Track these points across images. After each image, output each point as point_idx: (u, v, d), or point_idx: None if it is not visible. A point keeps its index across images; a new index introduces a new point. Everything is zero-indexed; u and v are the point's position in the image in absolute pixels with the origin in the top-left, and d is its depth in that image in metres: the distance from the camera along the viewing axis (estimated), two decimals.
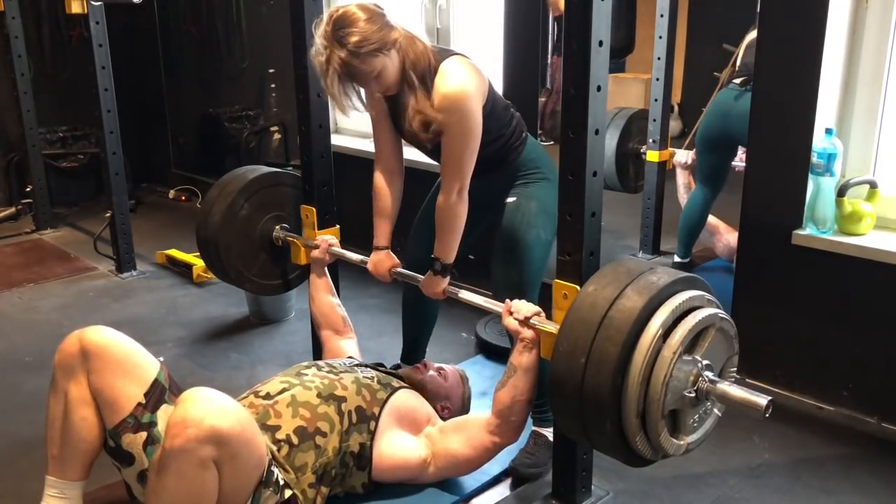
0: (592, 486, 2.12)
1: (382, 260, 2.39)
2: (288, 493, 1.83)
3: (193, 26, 5.13)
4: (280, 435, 1.87)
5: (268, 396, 1.96)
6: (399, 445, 2.04)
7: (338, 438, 1.94)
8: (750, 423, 2.51)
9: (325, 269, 2.56)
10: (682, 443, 1.66)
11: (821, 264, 2.52)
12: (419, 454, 2.05)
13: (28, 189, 4.63)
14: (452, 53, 2.13)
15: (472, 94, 2.05)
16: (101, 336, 1.86)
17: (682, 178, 3.68)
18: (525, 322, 1.92)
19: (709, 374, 1.62)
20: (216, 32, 5.00)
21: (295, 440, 1.88)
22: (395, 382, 2.17)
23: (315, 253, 2.55)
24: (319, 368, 2.11)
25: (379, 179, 2.38)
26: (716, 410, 1.71)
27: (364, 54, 1.99)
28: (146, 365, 1.88)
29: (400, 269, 2.38)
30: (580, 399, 1.60)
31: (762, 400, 1.54)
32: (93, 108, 3.78)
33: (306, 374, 2.06)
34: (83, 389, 1.83)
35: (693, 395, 1.60)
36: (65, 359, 1.85)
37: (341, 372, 2.10)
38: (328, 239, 2.55)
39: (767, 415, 1.54)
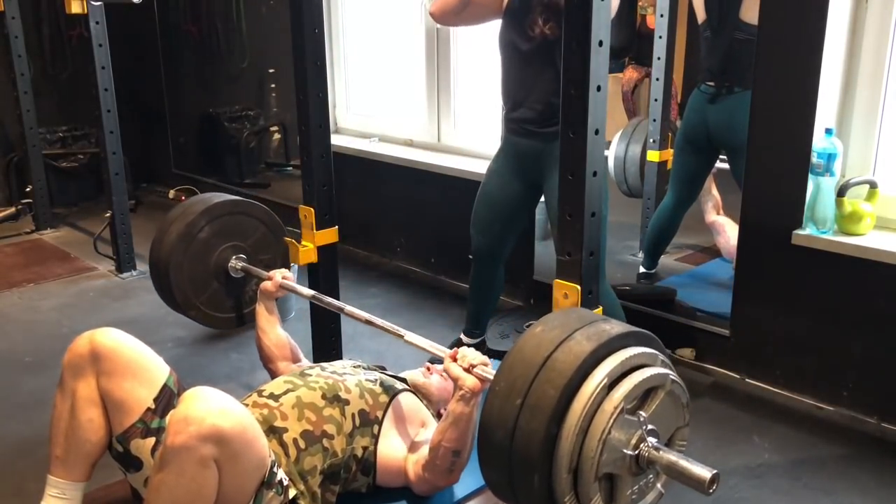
0: None
1: None
2: (293, 492, 1.83)
3: (193, 26, 5.14)
4: (287, 438, 1.87)
5: (272, 397, 1.95)
6: (398, 450, 2.04)
7: (344, 440, 1.94)
8: (750, 422, 2.51)
9: (274, 303, 2.47)
10: None
11: (821, 264, 2.52)
12: (407, 472, 2.03)
13: (28, 189, 4.62)
14: None
15: None
16: (113, 338, 1.86)
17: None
18: (469, 370, 1.82)
19: (653, 440, 1.47)
20: (216, 32, 5.01)
21: (302, 444, 1.88)
22: (399, 385, 2.15)
23: (266, 285, 2.44)
24: (323, 369, 2.11)
25: None
26: (659, 486, 1.56)
27: None
28: (156, 369, 1.89)
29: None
30: (510, 446, 1.45)
31: (706, 473, 1.40)
32: (93, 108, 3.77)
33: (310, 375, 2.05)
34: (92, 390, 1.83)
35: (633, 457, 1.46)
36: (74, 359, 1.85)
37: (345, 374, 2.10)
38: (281, 271, 2.47)
39: (711, 491, 1.40)
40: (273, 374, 2.38)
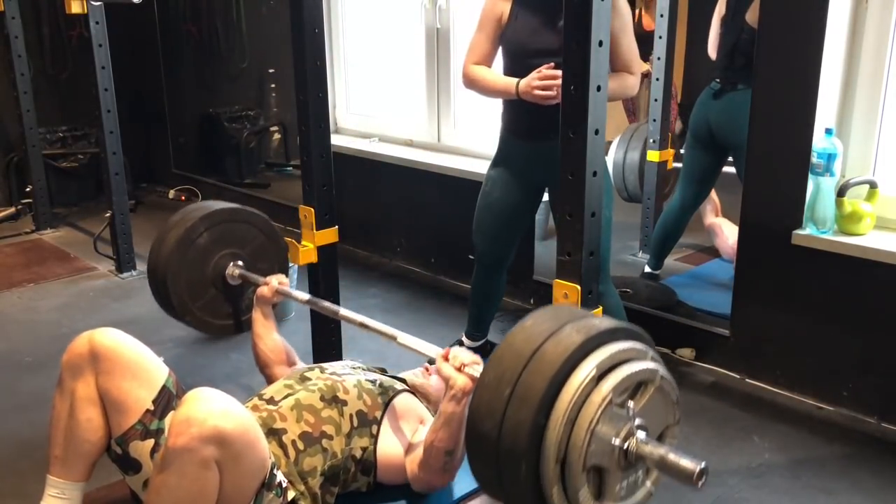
0: None
1: None
2: (291, 494, 1.83)
3: (193, 26, 5.14)
4: (286, 439, 1.88)
5: (271, 401, 1.97)
6: (398, 448, 2.04)
7: (343, 440, 1.94)
8: (750, 422, 2.52)
9: (271, 308, 2.47)
10: None
11: (821, 264, 2.52)
12: (406, 469, 2.03)
13: (28, 189, 4.62)
14: None
15: None
16: (112, 338, 1.86)
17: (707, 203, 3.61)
18: (460, 369, 1.82)
19: (642, 434, 1.47)
20: (216, 32, 5.01)
21: (301, 445, 1.88)
22: (398, 385, 2.16)
23: (262, 290, 2.44)
24: (322, 371, 2.11)
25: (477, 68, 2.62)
26: (648, 483, 1.55)
27: None
28: (155, 370, 1.89)
29: None
30: (498, 437, 1.44)
31: (693, 465, 1.38)
32: (93, 108, 3.78)
33: (309, 379, 2.06)
34: (91, 390, 1.83)
35: (622, 449, 1.46)
36: (73, 359, 1.85)
37: (343, 375, 2.10)
38: (278, 277, 2.47)
39: (700, 484, 1.38)
40: (269, 379, 2.38)
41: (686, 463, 1.40)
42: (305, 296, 2.44)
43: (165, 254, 2.54)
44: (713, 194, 3.60)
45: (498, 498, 1.57)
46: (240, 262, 2.63)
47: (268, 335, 2.41)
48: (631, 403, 1.47)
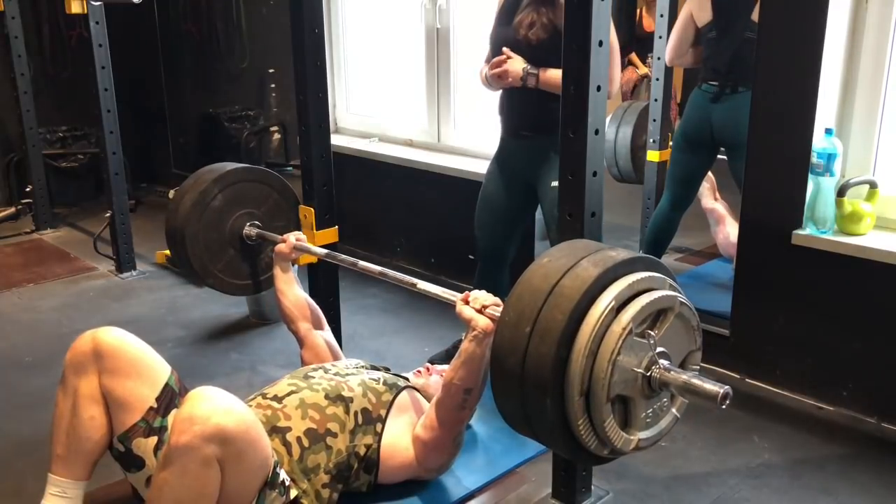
0: (592, 486, 2.12)
1: None
2: (294, 492, 1.84)
3: (193, 26, 5.13)
4: (290, 437, 1.88)
5: (276, 398, 1.97)
6: (402, 436, 2.04)
7: (347, 437, 1.95)
8: (750, 422, 2.51)
9: (290, 264, 2.53)
10: (632, 437, 1.51)
11: (821, 264, 2.52)
12: (411, 452, 2.05)
13: (28, 189, 4.62)
14: None
15: None
16: (115, 337, 1.88)
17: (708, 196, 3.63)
18: (481, 311, 1.84)
19: (664, 362, 1.49)
20: (216, 32, 5.00)
21: (306, 442, 1.89)
22: (401, 383, 2.17)
23: (280, 247, 2.49)
24: (326, 371, 2.12)
25: None
26: (674, 410, 1.58)
27: None
28: (158, 368, 1.90)
29: None
30: (522, 373, 1.47)
31: (718, 388, 1.41)
32: (93, 108, 3.78)
33: (314, 377, 2.07)
34: (93, 388, 1.84)
35: (645, 377, 1.48)
36: (77, 357, 1.86)
37: (347, 374, 2.11)
38: (295, 234, 2.52)
39: (724, 406, 1.42)
40: (296, 335, 2.44)
41: (710, 386, 1.43)
42: (323, 251, 2.48)
43: (182, 218, 2.58)
44: (708, 174, 3.60)
45: (528, 435, 1.60)
46: (256, 222, 2.67)
47: (290, 290, 2.47)
48: (652, 332, 1.49)
